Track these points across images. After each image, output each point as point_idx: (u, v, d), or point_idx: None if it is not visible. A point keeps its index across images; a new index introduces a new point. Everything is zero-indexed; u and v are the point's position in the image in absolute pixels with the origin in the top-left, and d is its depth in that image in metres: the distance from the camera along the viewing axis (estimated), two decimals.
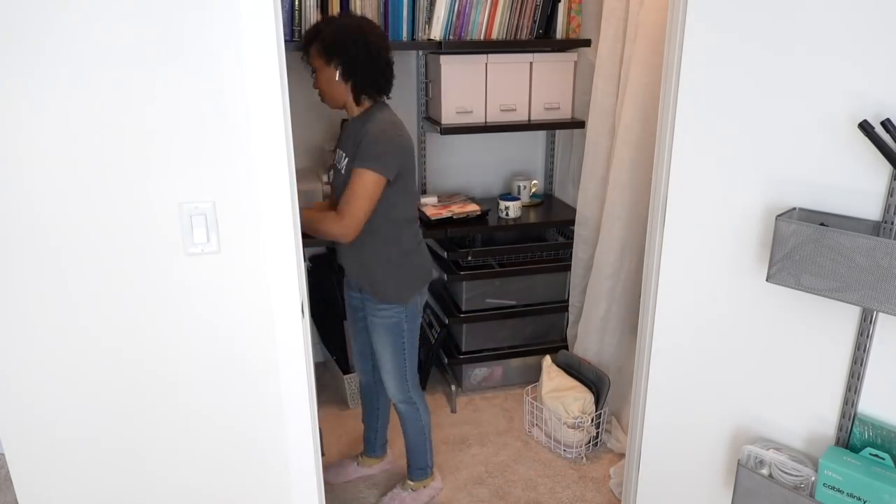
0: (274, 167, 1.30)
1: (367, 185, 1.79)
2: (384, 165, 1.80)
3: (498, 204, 2.80)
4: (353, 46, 1.82)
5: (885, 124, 1.21)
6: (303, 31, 2.35)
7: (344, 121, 2.73)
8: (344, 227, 1.82)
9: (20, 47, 1.13)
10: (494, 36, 2.58)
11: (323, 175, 2.63)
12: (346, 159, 1.89)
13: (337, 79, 1.85)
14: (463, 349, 2.83)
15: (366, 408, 2.34)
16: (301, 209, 1.69)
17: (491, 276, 2.76)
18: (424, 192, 2.86)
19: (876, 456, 1.36)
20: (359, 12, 2.40)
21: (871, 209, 1.30)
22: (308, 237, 2.43)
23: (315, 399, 1.52)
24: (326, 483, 1.77)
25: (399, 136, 1.85)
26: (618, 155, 2.39)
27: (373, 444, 2.39)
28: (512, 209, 2.76)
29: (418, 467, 2.24)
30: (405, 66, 2.79)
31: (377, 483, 2.37)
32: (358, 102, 1.89)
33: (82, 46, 1.16)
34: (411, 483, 2.26)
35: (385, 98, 1.93)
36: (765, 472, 1.48)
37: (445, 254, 2.71)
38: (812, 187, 1.37)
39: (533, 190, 2.98)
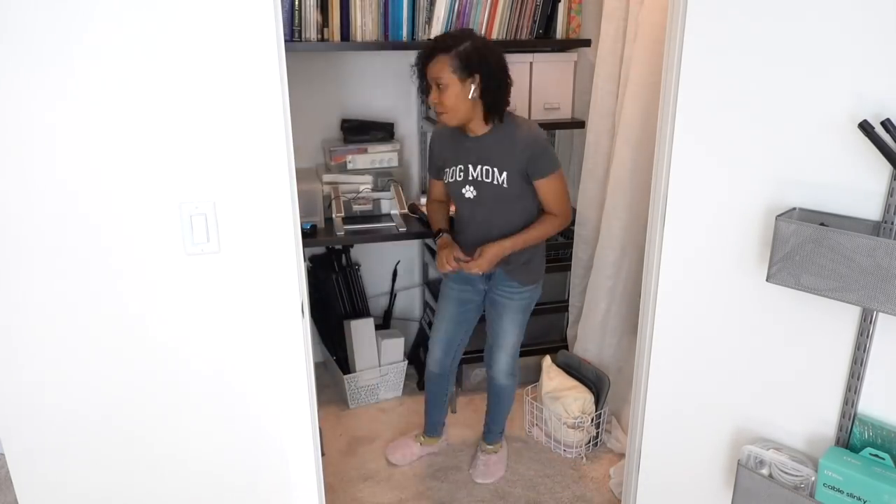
0: (274, 167, 1.30)
1: (562, 183, 2.00)
2: (558, 161, 2.00)
3: None
4: (493, 64, 1.88)
5: (885, 124, 1.21)
6: (303, 32, 2.35)
7: (344, 121, 2.73)
8: (564, 221, 2.04)
9: (21, 46, 1.13)
10: (494, 36, 2.58)
11: (324, 175, 2.63)
12: (505, 173, 1.96)
13: (471, 96, 1.88)
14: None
15: (435, 395, 2.46)
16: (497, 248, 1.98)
17: None
18: (424, 192, 2.85)
19: (876, 456, 1.36)
20: (359, 13, 2.39)
21: (871, 209, 1.30)
22: (308, 237, 2.44)
23: (315, 399, 1.52)
24: (328, 483, 1.78)
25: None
26: (618, 155, 2.39)
27: (437, 426, 2.51)
28: None
29: (500, 431, 2.42)
30: (405, 66, 2.79)
31: (372, 475, 2.37)
32: (487, 121, 1.95)
33: (83, 46, 1.16)
34: (490, 447, 2.42)
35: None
36: (765, 472, 1.48)
37: None
38: (812, 187, 1.37)
39: None
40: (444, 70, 1.85)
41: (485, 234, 2.05)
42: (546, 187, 1.96)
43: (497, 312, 2.20)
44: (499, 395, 2.35)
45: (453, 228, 2.21)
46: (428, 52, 1.89)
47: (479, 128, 1.97)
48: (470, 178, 2.01)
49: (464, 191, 2.04)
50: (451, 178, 2.06)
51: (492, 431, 2.42)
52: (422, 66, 1.91)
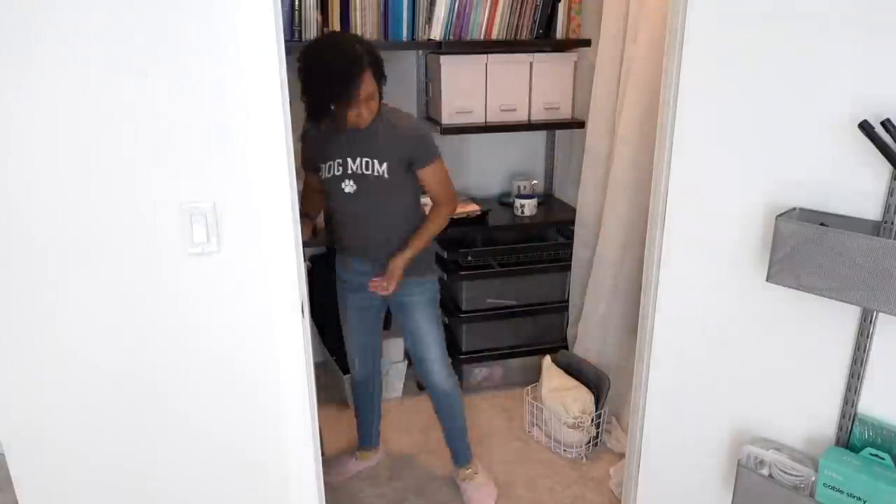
0: (274, 167, 1.30)
1: (445, 169, 2.00)
2: (437, 148, 1.97)
3: (513, 203, 2.83)
4: (378, 57, 1.83)
5: (885, 124, 1.21)
6: (303, 32, 2.35)
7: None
8: (452, 208, 2.06)
9: (20, 46, 1.13)
10: (494, 36, 2.58)
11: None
12: (386, 163, 1.89)
13: (380, 93, 1.86)
14: (463, 349, 2.83)
15: (363, 403, 2.38)
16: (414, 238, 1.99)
17: (491, 276, 2.76)
18: (424, 192, 2.85)
19: (876, 456, 1.36)
20: (359, 13, 2.39)
21: (871, 209, 1.30)
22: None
23: (315, 399, 1.52)
24: (327, 483, 1.79)
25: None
26: (618, 155, 2.39)
27: (369, 437, 2.43)
28: (528, 206, 2.79)
29: (467, 447, 2.30)
30: (405, 66, 2.79)
31: (373, 476, 2.37)
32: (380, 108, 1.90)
33: (84, 47, 1.16)
34: (469, 472, 2.30)
35: None
36: (765, 472, 1.48)
37: (445, 254, 2.70)
38: (812, 187, 1.37)
39: (532, 190, 2.99)
40: (371, 82, 1.79)
41: (366, 230, 2.01)
42: (430, 175, 1.93)
43: (408, 314, 2.11)
44: (446, 404, 2.21)
45: (330, 227, 2.14)
46: (351, 77, 1.74)
47: (367, 121, 1.86)
48: (349, 171, 1.92)
49: (343, 185, 1.94)
50: (329, 173, 1.95)
51: (458, 450, 2.29)
52: (347, 95, 1.75)
